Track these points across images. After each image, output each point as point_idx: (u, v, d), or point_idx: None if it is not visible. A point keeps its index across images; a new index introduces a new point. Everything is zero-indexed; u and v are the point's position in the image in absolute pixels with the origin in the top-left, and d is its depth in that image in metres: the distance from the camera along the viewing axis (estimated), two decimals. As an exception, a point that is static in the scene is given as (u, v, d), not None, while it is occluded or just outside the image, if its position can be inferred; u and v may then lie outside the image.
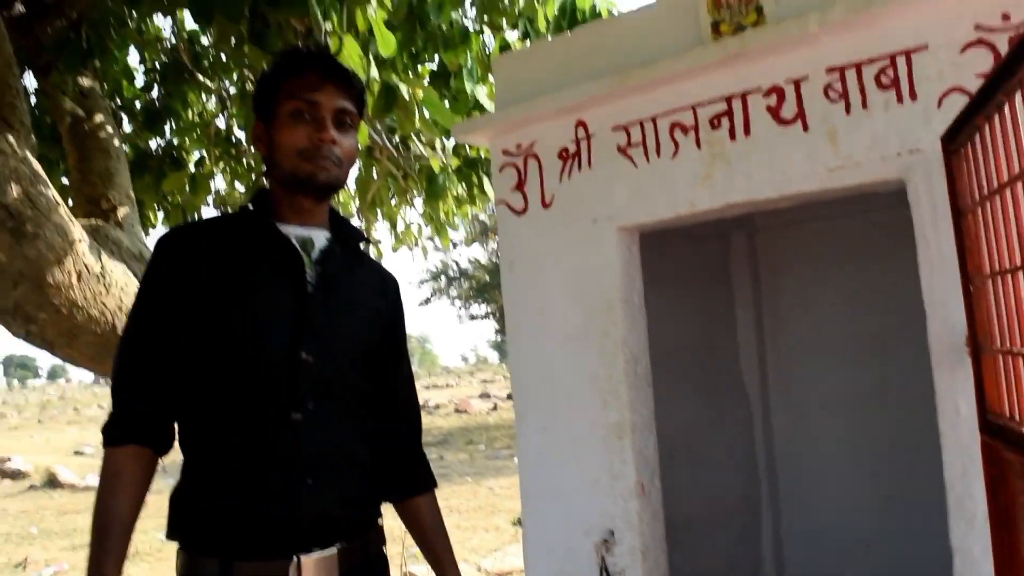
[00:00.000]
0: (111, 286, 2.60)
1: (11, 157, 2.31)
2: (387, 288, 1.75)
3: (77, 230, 2.50)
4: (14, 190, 2.29)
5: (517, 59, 2.37)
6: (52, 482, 12.39)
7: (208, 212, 4.53)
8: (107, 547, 1.43)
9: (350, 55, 2.48)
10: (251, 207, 1.64)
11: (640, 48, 2.06)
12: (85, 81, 2.89)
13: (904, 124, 1.73)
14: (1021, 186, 1.16)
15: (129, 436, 1.50)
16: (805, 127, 1.85)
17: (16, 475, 13.50)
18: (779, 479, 3.25)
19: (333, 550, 1.52)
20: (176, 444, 1.57)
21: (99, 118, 2.88)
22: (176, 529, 1.52)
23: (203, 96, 4.28)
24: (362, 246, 1.74)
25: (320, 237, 1.63)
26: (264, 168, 1.66)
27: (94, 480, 11.93)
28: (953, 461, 1.67)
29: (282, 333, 1.52)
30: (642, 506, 2.06)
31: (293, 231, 1.59)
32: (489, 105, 3.67)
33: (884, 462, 2.86)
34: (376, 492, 1.65)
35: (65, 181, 3.63)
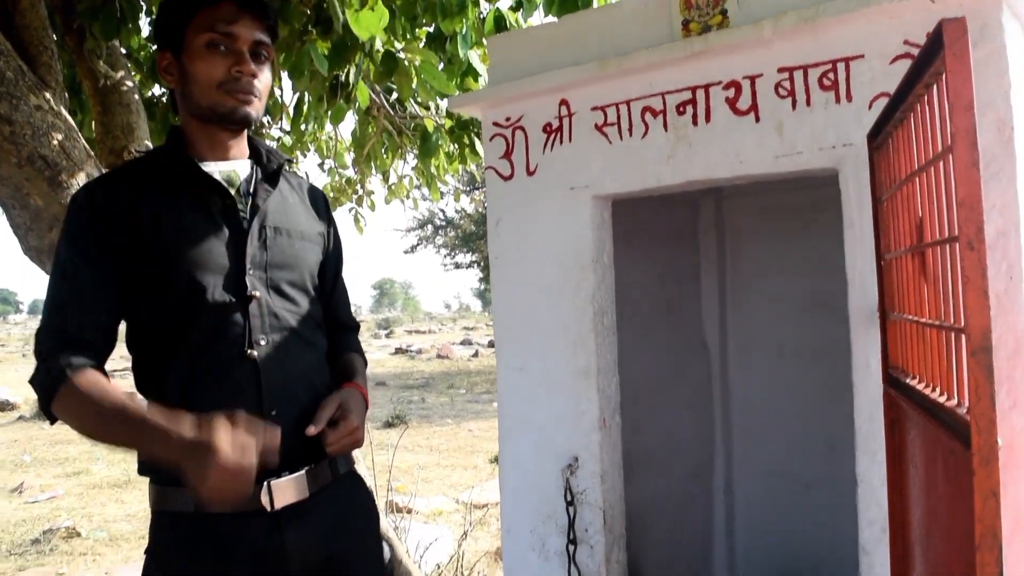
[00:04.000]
0: (134, 231, 2.84)
1: (48, 112, 2.52)
2: (319, 206, 1.72)
3: (105, 179, 2.74)
4: (52, 142, 2.51)
5: (509, 41, 2.59)
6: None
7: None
8: (146, 412, 1.36)
9: (367, 23, 2.66)
10: (166, 148, 1.56)
11: (618, 39, 2.29)
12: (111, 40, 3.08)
13: (840, 121, 1.96)
14: (914, 184, 1.44)
15: (86, 363, 1.42)
16: (757, 118, 2.08)
17: (4, 406, 13.49)
18: (732, 423, 3.55)
19: (302, 473, 1.52)
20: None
21: (121, 74, 3.08)
22: (147, 465, 1.51)
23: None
24: (286, 168, 1.68)
25: (243, 168, 1.58)
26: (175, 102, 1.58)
27: (83, 412, 12.11)
28: (862, 408, 1.94)
29: (227, 274, 1.49)
30: (603, 437, 2.34)
31: (215, 167, 1.54)
32: (481, 68, 3.86)
33: (826, 411, 3.15)
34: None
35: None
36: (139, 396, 1.46)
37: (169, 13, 1.51)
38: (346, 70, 3.06)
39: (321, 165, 5.62)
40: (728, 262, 3.56)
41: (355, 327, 1.84)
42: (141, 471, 1.53)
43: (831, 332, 3.01)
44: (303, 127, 4.18)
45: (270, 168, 1.61)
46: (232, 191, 1.54)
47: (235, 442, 1.27)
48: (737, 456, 3.56)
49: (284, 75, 3.55)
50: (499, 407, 2.57)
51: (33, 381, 1.45)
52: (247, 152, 1.61)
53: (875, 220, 1.79)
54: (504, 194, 2.55)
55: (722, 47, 2.09)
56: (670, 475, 3.24)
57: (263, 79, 1.52)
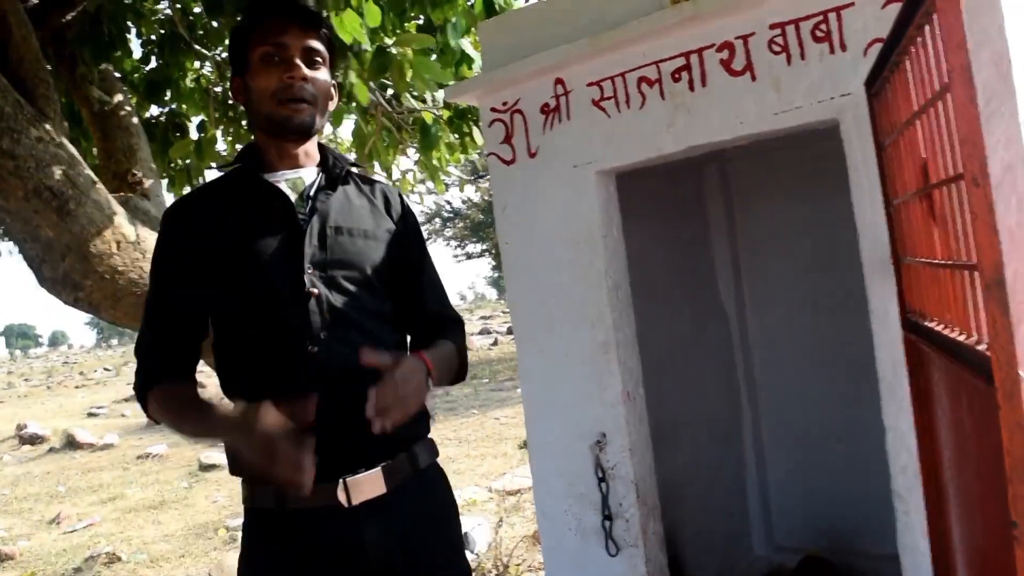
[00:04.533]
0: (146, 252, 2.85)
1: (50, 144, 2.54)
2: (391, 204, 1.76)
3: (113, 204, 2.76)
4: (56, 173, 2.53)
5: (500, 25, 2.59)
6: (71, 444, 12.49)
7: (212, 174, 4.70)
8: (209, 409, 1.53)
9: (350, 27, 2.68)
10: (240, 162, 1.67)
11: (609, 12, 2.27)
12: (102, 64, 3.10)
13: (836, 72, 1.95)
14: (915, 127, 1.44)
15: (162, 376, 1.60)
16: (753, 77, 2.08)
17: (34, 439, 13.57)
18: (757, 384, 3.56)
19: (378, 469, 1.55)
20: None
21: (118, 98, 3.10)
22: (235, 465, 1.61)
23: (198, 63, 4.43)
24: (355, 171, 1.76)
25: (310, 174, 1.66)
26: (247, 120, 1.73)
27: (112, 439, 12.22)
28: (884, 355, 1.94)
29: (284, 272, 1.54)
30: (628, 411, 2.35)
31: (283, 175, 1.62)
32: (474, 54, 3.85)
33: (848, 362, 3.13)
34: None
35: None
36: (207, 394, 1.58)
37: (234, 41, 1.64)
38: (341, 72, 3.06)
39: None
40: (738, 224, 3.56)
41: (454, 318, 1.82)
42: (232, 471, 1.62)
43: (846, 284, 2.97)
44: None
45: (334, 173, 1.68)
46: (294, 196, 1.62)
47: (264, 421, 1.38)
48: (764, 416, 3.57)
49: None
50: (523, 391, 2.59)
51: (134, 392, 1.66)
52: (317, 159, 1.70)
53: (880, 167, 1.78)
54: (508, 179, 2.56)
55: (712, 10, 2.08)
56: (699, 442, 3.25)
57: (317, 82, 1.59)
